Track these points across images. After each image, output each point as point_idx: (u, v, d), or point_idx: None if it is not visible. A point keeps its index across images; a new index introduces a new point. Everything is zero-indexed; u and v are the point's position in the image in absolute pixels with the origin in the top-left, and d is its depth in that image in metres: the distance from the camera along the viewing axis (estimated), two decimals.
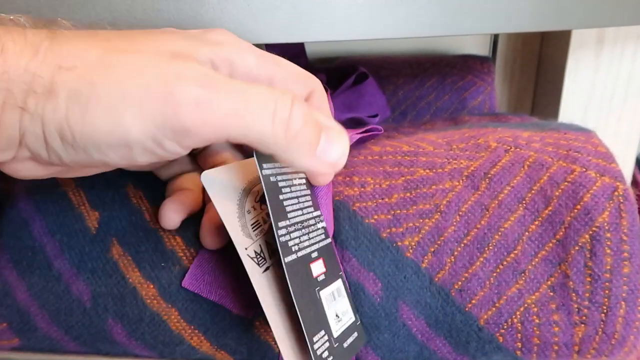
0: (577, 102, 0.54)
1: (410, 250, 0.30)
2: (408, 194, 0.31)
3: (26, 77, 0.21)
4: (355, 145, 0.35)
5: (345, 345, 0.27)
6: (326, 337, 0.26)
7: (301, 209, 0.27)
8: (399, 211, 0.30)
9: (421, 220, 0.30)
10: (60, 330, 0.31)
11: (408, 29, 0.37)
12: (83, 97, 0.21)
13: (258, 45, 0.30)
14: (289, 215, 0.26)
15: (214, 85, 0.22)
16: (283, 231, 0.25)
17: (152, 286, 0.30)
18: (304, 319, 0.25)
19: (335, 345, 0.26)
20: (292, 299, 0.25)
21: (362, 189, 0.31)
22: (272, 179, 0.26)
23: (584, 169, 0.30)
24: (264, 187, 0.25)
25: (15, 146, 0.23)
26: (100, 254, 0.31)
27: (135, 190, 0.32)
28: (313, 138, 0.24)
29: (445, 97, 0.52)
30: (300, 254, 0.26)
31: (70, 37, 0.23)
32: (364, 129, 0.34)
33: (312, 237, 0.28)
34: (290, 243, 0.26)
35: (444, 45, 0.62)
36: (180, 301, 0.30)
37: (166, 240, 0.31)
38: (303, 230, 0.27)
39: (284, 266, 0.25)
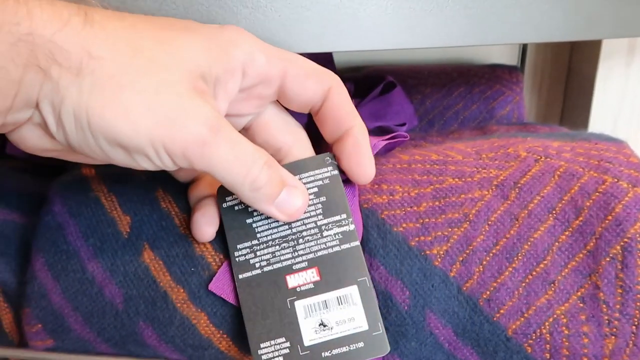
0: (607, 113, 0.53)
1: (439, 259, 0.30)
2: (437, 203, 0.31)
3: (51, 46, 0.22)
4: (383, 153, 0.35)
5: (326, 354, 0.28)
6: (286, 344, 0.29)
7: (288, 223, 0.30)
8: (427, 220, 0.30)
9: (450, 229, 0.30)
10: (92, 332, 0.32)
11: (436, 39, 0.37)
12: (107, 93, 0.23)
13: None
14: (258, 235, 0.30)
15: (218, 132, 0.25)
16: (244, 251, 0.30)
17: (182, 290, 0.31)
18: (249, 329, 0.29)
19: (301, 354, 0.29)
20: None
21: (391, 197, 0.31)
22: (237, 207, 0.31)
23: (616, 180, 0.30)
24: (221, 217, 0.31)
25: (30, 108, 0.24)
26: (132, 258, 0.31)
27: (164, 194, 0.33)
28: (273, 192, 0.28)
29: (473, 107, 0.52)
30: (267, 269, 0.30)
31: (102, 21, 0.24)
32: (389, 136, 0.34)
33: (303, 249, 0.30)
34: (253, 260, 0.30)
35: (472, 54, 0.62)
36: (210, 306, 0.31)
37: (196, 246, 0.31)
38: (283, 244, 0.30)
39: (235, 282, 0.30)
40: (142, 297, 0.31)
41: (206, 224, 0.31)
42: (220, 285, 0.30)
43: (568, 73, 0.60)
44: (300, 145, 0.32)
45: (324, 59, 0.55)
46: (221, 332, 0.31)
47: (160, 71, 0.24)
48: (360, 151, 0.30)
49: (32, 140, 0.26)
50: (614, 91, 0.53)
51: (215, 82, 0.27)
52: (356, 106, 0.50)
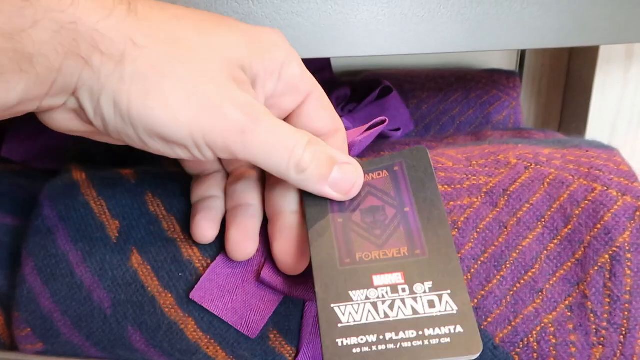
0: (604, 119, 0.53)
1: None
2: None
3: (95, 35, 0.22)
4: (371, 155, 0.35)
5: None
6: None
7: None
8: None
9: None
10: (81, 336, 0.32)
11: (428, 45, 0.37)
12: (149, 82, 0.23)
13: None
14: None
15: (258, 118, 0.25)
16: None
17: (169, 295, 0.31)
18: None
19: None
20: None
21: None
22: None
23: (605, 188, 0.30)
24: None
25: (67, 94, 0.24)
26: (120, 263, 0.31)
27: (153, 198, 0.33)
28: (322, 172, 0.27)
29: (469, 112, 0.52)
30: None
31: (145, 11, 0.24)
32: (366, 127, 0.33)
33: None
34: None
35: (471, 59, 0.62)
36: (197, 311, 0.31)
37: (184, 250, 0.31)
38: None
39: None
40: (130, 302, 0.31)
41: (208, 228, 0.30)
42: (202, 294, 0.30)
43: (567, 78, 0.60)
44: None
45: (322, 63, 0.55)
46: (208, 337, 0.31)
47: (201, 61, 0.24)
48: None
49: (63, 123, 0.25)
50: (611, 97, 0.52)
51: (255, 78, 0.27)
52: (352, 111, 0.51)
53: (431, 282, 0.26)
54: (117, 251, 0.32)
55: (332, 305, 0.26)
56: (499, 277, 0.29)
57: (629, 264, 0.28)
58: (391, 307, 0.26)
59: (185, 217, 0.33)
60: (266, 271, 0.30)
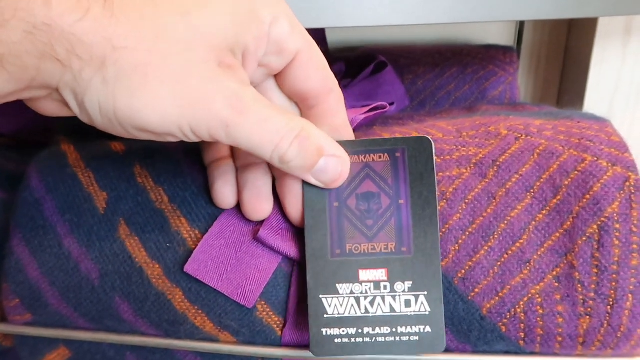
0: (602, 94, 0.52)
1: None
2: None
3: (72, 38, 0.21)
4: (363, 130, 0.35)
5: None
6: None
7: None
8: None
9: None
10: (69, 307, 0.32)
11: (423, 16, 0.36)
12: (133, 83, 0.23)
13: None
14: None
15: (243, 111, 0.25)
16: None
17: (157, 266, 0.31)
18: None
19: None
20: None
21: None
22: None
23: (595, 158, 0.29)
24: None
25: (50, 89, 0.23)
26: (108, 234, 0.31)
27: (141, 170, 0.33)
28: (306, 164, 0.27)
29: (465, 87, 0.52)
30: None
31: (121, 4, 0.23)
32: (368, 109, 0.33)
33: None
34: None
35: (468, 34, 0.61)
36: (185, 281, 0.31)
37: (172, 221, 0.31)
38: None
39: None
40: (118, 273, 0.31)
41: (230, 194, 0.31)
42: (196, 267, 0.30)
43: (565, 53, 0.59)
44: None
45: (317, 37, 0.55)
46: (196, 307, 0.31)
47: (185, 53, 0.24)
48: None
49: (50, 110, 0.25)
50: (609, 72, 0.52)
51: (245, 51, 0.26)
52: (346, 86, 0.50)
53: (411, 282, 0.28)
54: (104, 222, 0.32)
55: (321, 296, 0.29)
56: (486, 248, 0.29)
57: (617, 234, 0.28)
58: (372, 303, 0.28)
59: (173, 188, 0.32)
60: (265, 231, 0.30)
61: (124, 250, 0.31)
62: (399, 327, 0.28)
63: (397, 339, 0.28)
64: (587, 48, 0.52)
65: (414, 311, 0.28)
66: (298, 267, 0.31)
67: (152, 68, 0.23)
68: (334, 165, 0.28)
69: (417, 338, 0.28)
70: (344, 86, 0.50)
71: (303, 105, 0.30)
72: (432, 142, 0.30)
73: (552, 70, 0.61)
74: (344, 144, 0.30)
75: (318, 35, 0.53)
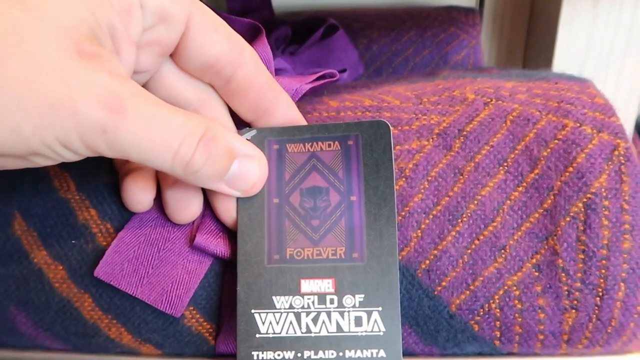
0: (572, 57, 0.49)
1: None
2: None
3: None
4: (309, 99, 0.30)
5: None
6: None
7: None
8: None
9: None
10: None
11: None
12: None
13: None
14: None
15: (121, 110, 0.20)
16: None
17: (60, 267, 0.26)
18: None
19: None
20: None
21: None
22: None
23: (578, 124, 0.25)
24: None
25: None
26: None
27: None
28: (218, 170, 0.23)
29: (425, 52, 0.47)
30: None
31: None
32: (314, 77, 0.28)
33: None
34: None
35: None
36: (94, 286, 0.25)
37: (78, 213, 0.26)
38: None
39: None
40: (12, 277, 0.26)
41: (143, 191, 0.25)
42: (109, 270, 0.25)
43: (530, 15, 0.55)
44: (208, 106, 0.26)
45: (260, 1, 0.49)
46: (109, 317, 0.26)
47: (35, 49, 0.19)
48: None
49: None
50: (579, 33, 0.48)
51: (112, 32, 0.21)
52: (294, 53, 0.45)
53: (363, 295, 0.24)
54: None
55: (253, 311, 0.24)
56: (454, 233, 0.25)
57: (605, 212, 0.24)
58: (315, 320, 0.24)
59: (82, 173, 0.27)
60: (201, 236, 0.25)
61: (19, 249, 0.26)
62: (347, 351, 0.24)
63: None
64: (555, 8, 0.48)
65: (366, 331, 0.24)
66: (232, 265, 0.26)
67: None
68: (249, 168, 0.24)
69: None
70: (290, 52, 0.45)
71: (218, 79, 0.25)
72: (390, 127, 0.25)
73: (517, 32, 0.57)
74: (285, 130, 0.25)
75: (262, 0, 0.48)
